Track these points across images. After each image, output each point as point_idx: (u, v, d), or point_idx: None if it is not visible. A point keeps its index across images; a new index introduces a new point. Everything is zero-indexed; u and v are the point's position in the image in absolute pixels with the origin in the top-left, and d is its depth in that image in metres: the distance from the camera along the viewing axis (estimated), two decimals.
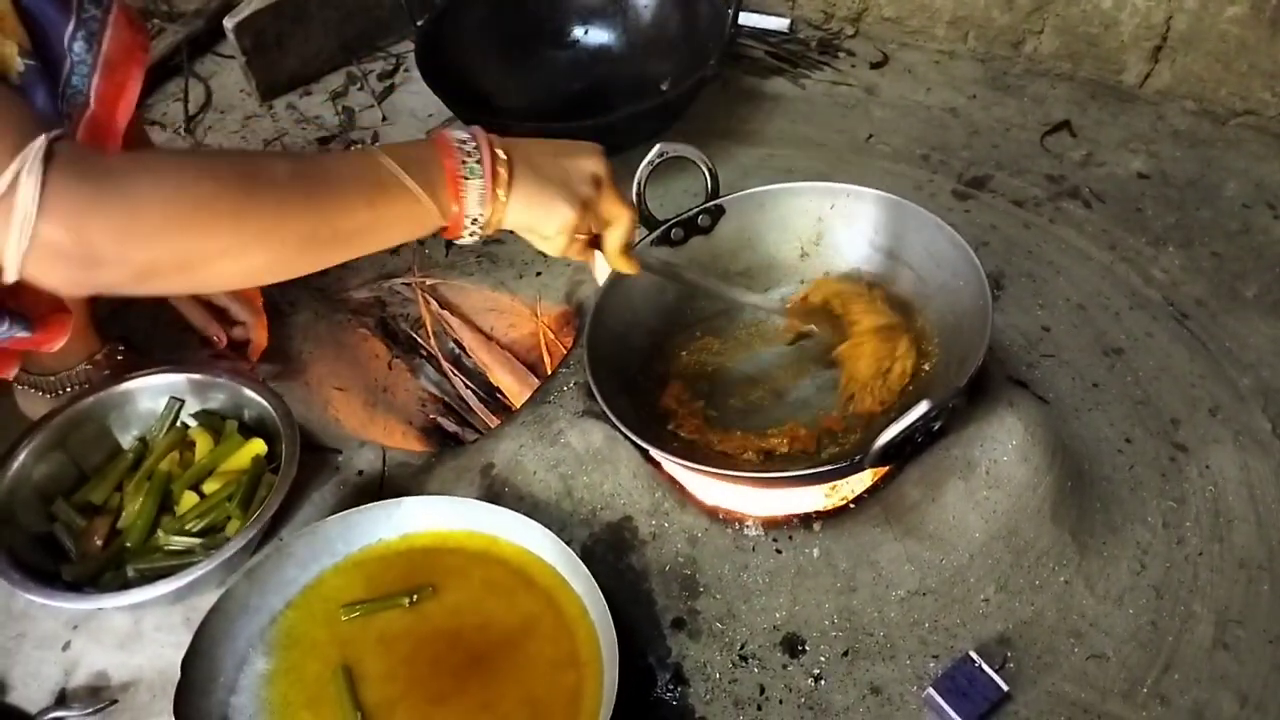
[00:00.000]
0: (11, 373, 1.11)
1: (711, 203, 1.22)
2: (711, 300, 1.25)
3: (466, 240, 0.90)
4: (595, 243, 1.01)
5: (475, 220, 0.88)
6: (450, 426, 1.51)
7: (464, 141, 0.87)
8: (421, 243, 1.54)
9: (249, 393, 1.19)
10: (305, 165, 0.82)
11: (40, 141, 0.70)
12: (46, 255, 0.72)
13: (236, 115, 1.89)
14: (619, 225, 0.99)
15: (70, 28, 1.05)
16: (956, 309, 1.10)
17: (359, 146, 0.84)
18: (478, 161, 0.86)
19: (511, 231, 0.93)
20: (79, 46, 1.05)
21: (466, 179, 0.86)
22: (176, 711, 0.91)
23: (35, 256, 0.71)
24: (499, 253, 1.53)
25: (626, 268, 1.04)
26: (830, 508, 1.08)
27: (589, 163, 0.95)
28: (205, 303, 1.29)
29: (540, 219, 0.92)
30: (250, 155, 0.82)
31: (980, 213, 1.55)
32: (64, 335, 1.03)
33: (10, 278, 0.72)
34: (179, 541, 1.10)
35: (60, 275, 0.74)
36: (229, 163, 0.80)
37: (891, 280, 1.20)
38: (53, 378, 1.21)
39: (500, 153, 0.88)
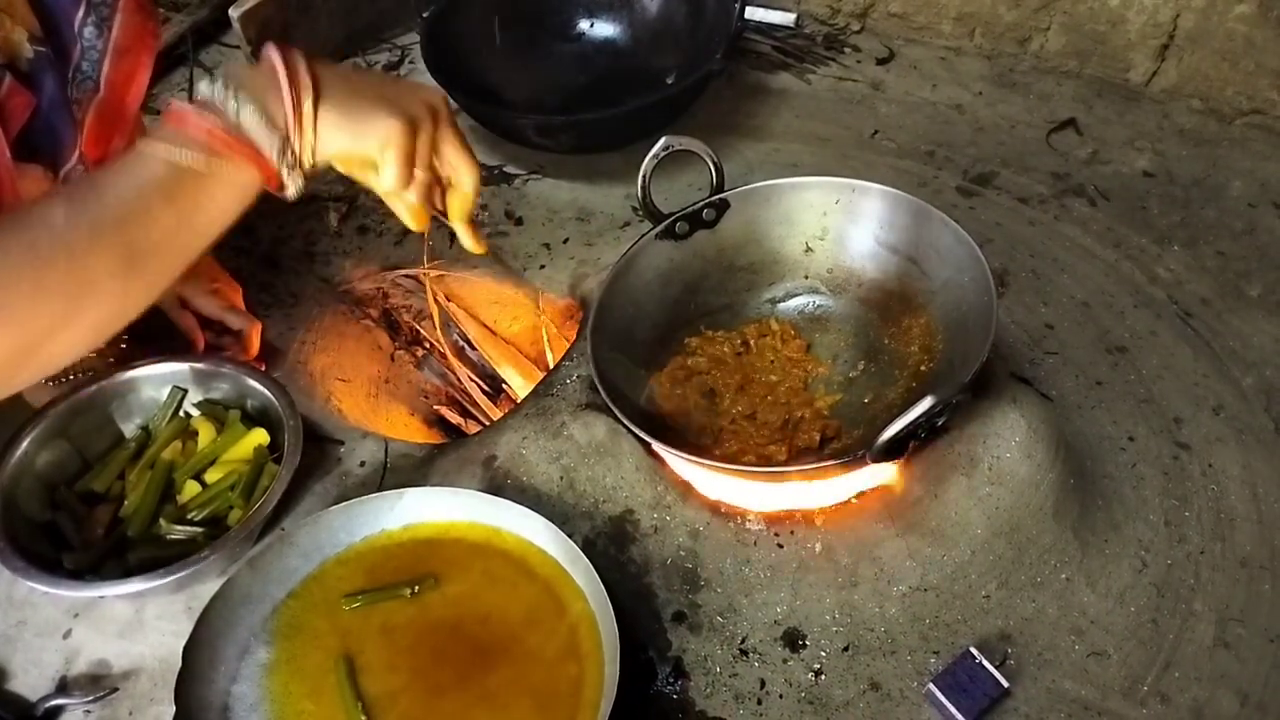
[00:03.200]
0: None
1: (716, 197, 1.22)
2: (716, 295, 1.26)
3: (292, 189, 0.81)
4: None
5: (286, 160, 0.79)
6: (453, 418, 1.52)
7: (206, 103, 0.77)
8: (425, 234, 1.55)
9: (252, 383, 1.19)
10: (79, 199, 0.73)
11: None
12: None
13: None
14: (461, 178, 0.90)
15: (81, 13, 1.05)
16: (961, 305, 1.10)
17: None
18: (244, 103, 0.76)
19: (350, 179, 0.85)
20: (89, 32, 1.06)
21: (243, 126, 0.76)
22: (178, 700, 0.91)
23: None
24: (503, 245, 1.53)
25: (473, 243, 0.97)
26: (833, 503, 1.08)
27: (422, 91, 0.87)
28: (196, 312, 1.28)
29: (359, 135, 0.82)
30: (22, 218, 0.71)
31: (985, 209, 1.55)
32: None
33: None
34: (181, 530, 1.10)
35: None
36: (8, 237, 0.71)
37: (896, 275, 1.20)
38: None
39: (302, 71, 0.79)
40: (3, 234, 0.71)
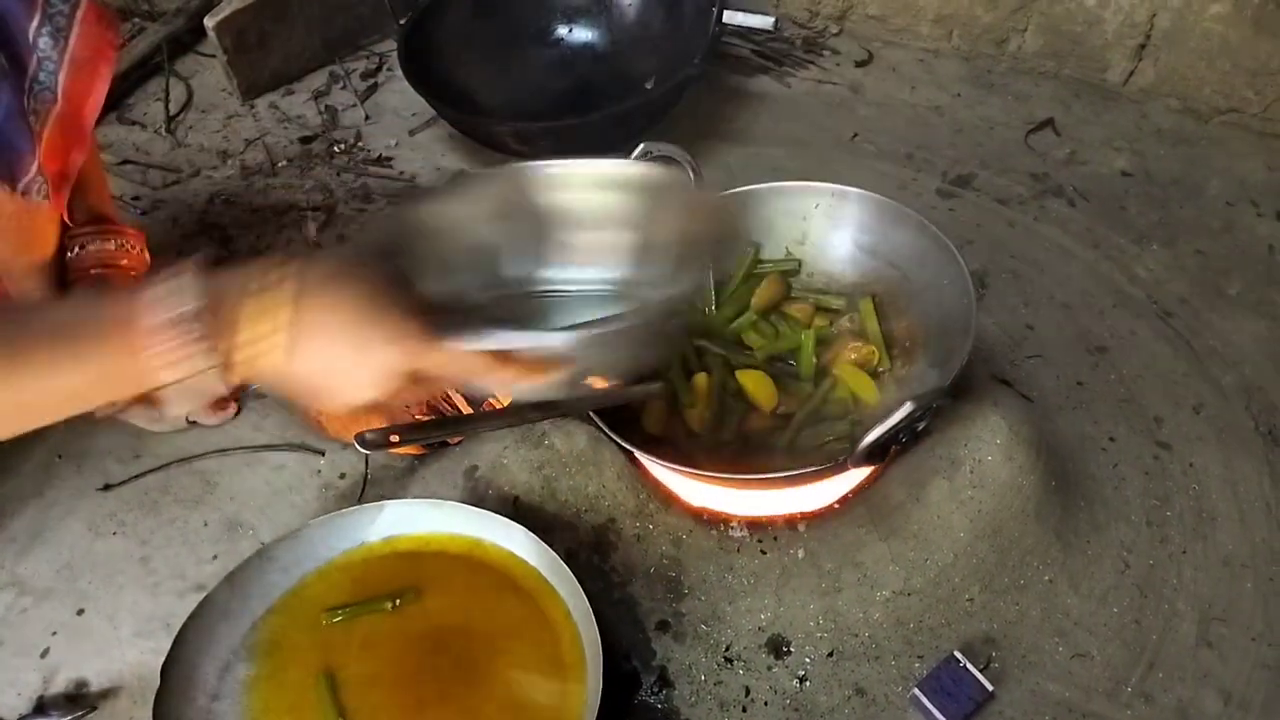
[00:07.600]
0: None
1: None
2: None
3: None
4: None
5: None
6: None
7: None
8: None
9: None
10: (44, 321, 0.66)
11: None
12: None
13: (218, 115, 1.87)
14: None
15: (35, 22, 1.02)
16: (941, 308, 1.10)
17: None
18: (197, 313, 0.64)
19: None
20: (45, 42, 1.03)
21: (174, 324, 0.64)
22: (156, 718, 0.90)
23: None
24: None
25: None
26: (815, 508, 1.08)
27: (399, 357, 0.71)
28: None
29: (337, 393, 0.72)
30: (23, 317, 0.66)
31: (964, 211, 1.55)
32: None
33: None
34: None
35: None
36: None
37: (876, 279, 1.20)
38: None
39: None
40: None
